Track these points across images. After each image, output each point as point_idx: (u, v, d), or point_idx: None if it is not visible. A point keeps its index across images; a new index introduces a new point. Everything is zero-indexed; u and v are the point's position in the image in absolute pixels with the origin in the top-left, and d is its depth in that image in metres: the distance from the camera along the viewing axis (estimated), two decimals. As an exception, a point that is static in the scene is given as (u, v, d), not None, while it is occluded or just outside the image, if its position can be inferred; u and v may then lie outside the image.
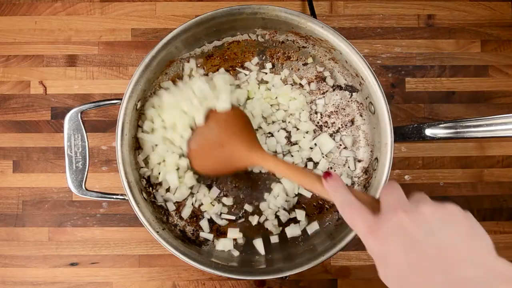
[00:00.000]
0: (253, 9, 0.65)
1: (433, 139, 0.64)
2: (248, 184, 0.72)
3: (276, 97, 0.72)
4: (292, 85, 0.73)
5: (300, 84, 0.74)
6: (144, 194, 0.68)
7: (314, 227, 0.71)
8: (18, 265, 0.77)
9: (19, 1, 0.80)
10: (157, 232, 0.63)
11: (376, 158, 0.67)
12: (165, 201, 0.71)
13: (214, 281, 0.77)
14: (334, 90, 0.74)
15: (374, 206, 0.43)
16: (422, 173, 0.79)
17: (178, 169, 0.66)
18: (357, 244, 0.77)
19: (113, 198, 0.65)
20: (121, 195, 0.65)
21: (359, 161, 0.72)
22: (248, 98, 0.72)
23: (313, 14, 0.75)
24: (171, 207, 0.71)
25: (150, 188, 0.70)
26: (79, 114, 0.64)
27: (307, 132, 0.72)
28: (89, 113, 0.78)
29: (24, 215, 0.77)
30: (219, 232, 0.72)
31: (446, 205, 0.38)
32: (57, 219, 0.77)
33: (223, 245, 0.69)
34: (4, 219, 0.77)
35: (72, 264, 0.77)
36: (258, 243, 0.70)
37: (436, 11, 0.81)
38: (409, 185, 0.79)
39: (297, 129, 0.72)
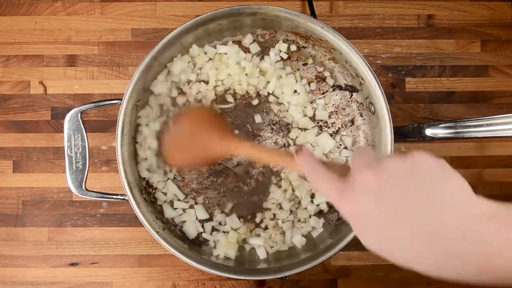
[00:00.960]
0: (253, 9, 0.65)
1: (433, 139, 0.63)
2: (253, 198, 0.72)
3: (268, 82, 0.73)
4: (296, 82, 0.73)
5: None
6: (144, 194, 0.68)
7: (318, 230, 0.71)
8: (18, 265, 0.77)
9: (19, 1, 0.80)
10: (157, 232, 0.63)
11: (376, 158, 0.67)
12: (164, 202, 0.71)
13: (214, 281, 0.77)
14: (334, 90, 0.74)
15: (344, 172, 0.42)
16: (422, 173, 0.79)
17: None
18: (357, 244, 0.77)
19: (113, 198, 0.65)
20: (121, 195, 0.65)
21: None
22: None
23: (313, 14, 0.75)
24: (170, 213, 0.71)
25: (150, 188, 0.70)
26: (79, 114, 0.64)
27: (306, 129, 0.72)
28: (89, 113, 0.78)
29: (24, 215, 0.77)
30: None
31: (413, 154, 0.37)
32: (57, 219, 0.77)
33: (223, 251, 0.69)
34: (4, 219, 0.77)
35: (72, 264, 0.77)
36: (260, 250, 0.69)
37: (436, 11, 0.81)
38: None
39: (298, 126, 0.72)
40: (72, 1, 0.80)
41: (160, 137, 0.65)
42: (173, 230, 0.69)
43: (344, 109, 0.73)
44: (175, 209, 0.70)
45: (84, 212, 0.77)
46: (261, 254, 0.69)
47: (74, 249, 0.77)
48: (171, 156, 0.64)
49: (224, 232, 0.71)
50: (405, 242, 0.35)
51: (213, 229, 0.71)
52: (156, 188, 0.70)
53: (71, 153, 0.64)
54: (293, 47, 0.73)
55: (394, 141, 0.63)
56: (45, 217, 0.77)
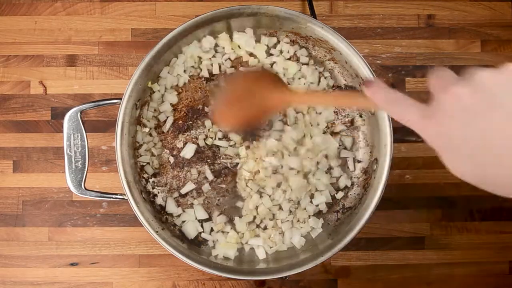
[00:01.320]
0: (253, 9, 0.65)
1: (433, 139, 0.63)
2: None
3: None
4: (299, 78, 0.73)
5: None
6: (144, 194, 0.68)
7: (317, 231, 0.71)
8: (18, 265, 0.77)
9: (19, 1, 0.80)
10: (156, 231, 0.63)
11: (376, 159, 0.67)
12: (164, 201, 0.71)
13: (214, 281, 0.77)
14: (334, 90, 0.74)
15: (422, 98, 0.38)
16: (422, 173, 0.79)
17: None
18: (357, 244, 0.77)
19: (112, 197, 0.65)
20: (120, 194, 0.65)
21: (359, 161, 0.72)
22: None
23: (313, 14, 0.75)
24: (173, 210, 0.71)
25: (150, 187, 0.71)
26: (79, 114, 0.64)
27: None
28: (89, 113, 0.78)
29: (24, 215, 0.77)
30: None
31: (507, 66, 0.32)
32: (57, 219, 0.77)
33: (222, 252, 0.69)
34: (4, 219, 0.77)
35: (72, 264, 0.77)
36: (260, 250, 0.69)
37: (436, 11, 0.81)
38: (409, 185, 0.78)
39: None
40: (72, 1, 0.80)
41: (213, 100, 0.63)
42: (172, 230, 0.69)
43: (343, 109, 0.73)
44: (178, 206, 0.71)
45: (84, 212, 0.77)
46: (260, 254, 0.69)
47: (74, 249, 0.77)
48: (224, 116, 0.60)
49: (223, 232, 0.71)
50: (500, 168, 0.32)
51: (213, 229, 0.71)
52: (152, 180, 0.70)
53: (70, 152, 0.64)
54: (293, 47, 0.73)
55: (393, 142, 0.63)
56: (45, 217, 0.77)
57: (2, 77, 0.79)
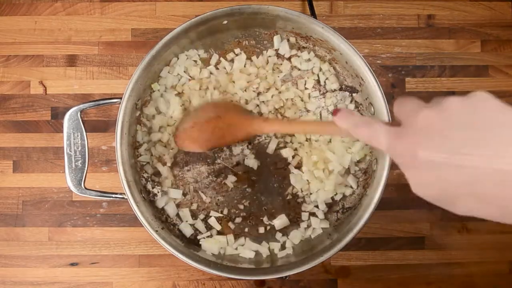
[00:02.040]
0: (253, 9, 0.65)
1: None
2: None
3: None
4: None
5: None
6: (144, 194, 0.68)
7: (317, 231, 0.71)
8: (18, 265, 0.77)
9: (19, 1, 0.80)
10: (156, 231, 0.63)
11: (376, 159, 0.67)
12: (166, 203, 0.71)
13: (214, 281, 0.77)
14: (334, 90, 0.74)
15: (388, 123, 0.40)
16: (422, 173, 0.78)
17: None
18: (357, 244, 0.77)
19: (112, 197, 0.65)
20: (120, 194, 0.65)
21: (359, 161, 0.72)
22: None
23: (313, 14, 0.75)
24: (172, 211, 0.71)
25: (150, 187, 0.71)
26: (79, 113, 0.64)
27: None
28: (89, 113, 0.78)
29: (24, 215, 0.77)
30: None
31: (474, 93, 0.34)
32: (57, 219, 0.77)
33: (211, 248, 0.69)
34: (4, 219, 0.77)
35: (72, 264, 0.77)
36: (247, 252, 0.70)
37: (436, 11, 0.81)
38: (409, 185, 0.78)
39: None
40: (72, 1, 0.80)
41: (179, 124, 0.66)
42: (171, 229, 0.69)
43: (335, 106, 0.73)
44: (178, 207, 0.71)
45: (84, 212, 0.77)
46: (250, 254, 0.69)
47: (74, 249, 0.77)
48: (190, 138, 0.64)
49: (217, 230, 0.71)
50: (471, 187, 0.33)
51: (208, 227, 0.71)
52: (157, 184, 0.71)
53: (70, 151, 0.64)
54: (293, 48, 0.73)
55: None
56: (45, 217, 0.77)
57: (2, 77, 0.79)
